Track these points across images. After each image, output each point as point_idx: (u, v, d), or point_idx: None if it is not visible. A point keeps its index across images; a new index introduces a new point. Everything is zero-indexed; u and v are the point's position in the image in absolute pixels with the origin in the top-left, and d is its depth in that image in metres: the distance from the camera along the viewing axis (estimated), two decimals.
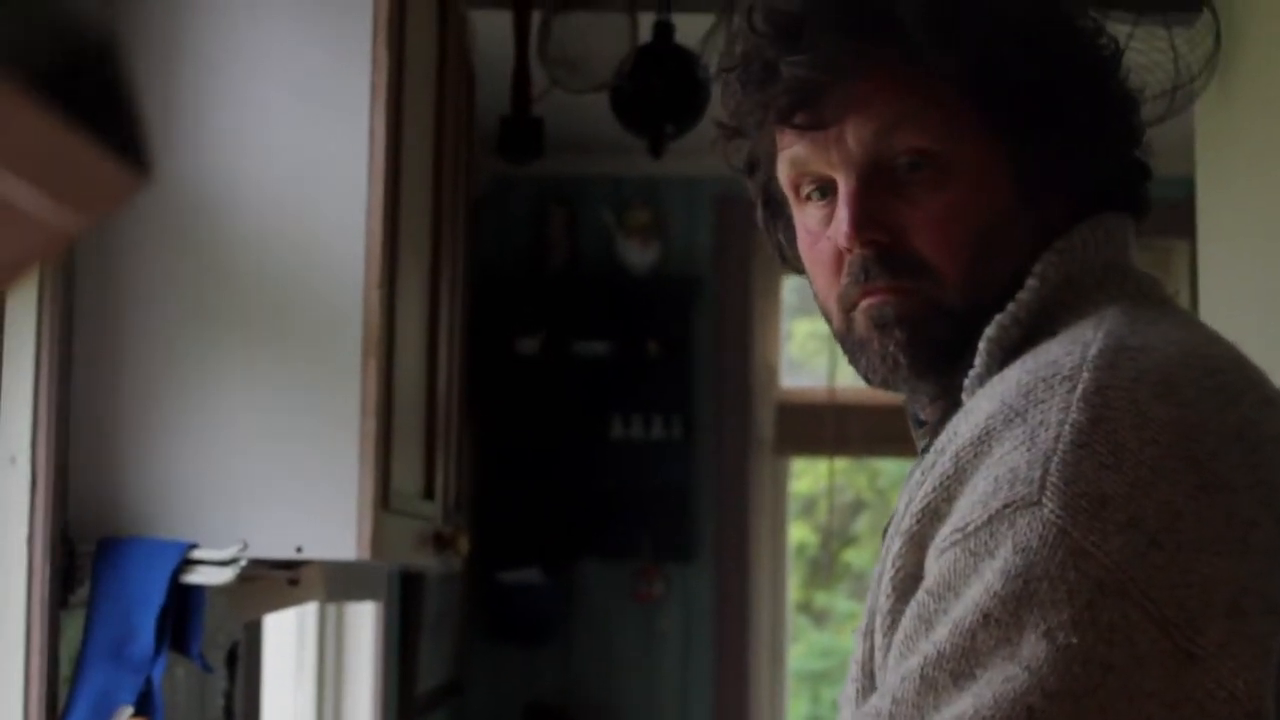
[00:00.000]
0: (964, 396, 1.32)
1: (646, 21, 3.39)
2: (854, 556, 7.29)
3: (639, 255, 5.51)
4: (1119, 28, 2.83)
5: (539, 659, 5.65)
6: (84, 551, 2.20)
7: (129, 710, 2.18)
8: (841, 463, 7.50)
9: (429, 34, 2.62)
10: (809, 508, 7.85)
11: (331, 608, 4.05)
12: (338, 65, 2.24)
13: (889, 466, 6.84)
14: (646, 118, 3.03)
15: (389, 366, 2.27)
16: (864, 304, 1.38)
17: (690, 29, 3.39)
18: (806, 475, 7.58)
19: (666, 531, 5.61)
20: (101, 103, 0.49)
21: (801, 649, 7.82)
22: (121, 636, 2.19)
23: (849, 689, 1.31)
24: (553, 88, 3.21)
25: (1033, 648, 1.09)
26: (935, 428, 1.38)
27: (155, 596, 2.18)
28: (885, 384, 1.40)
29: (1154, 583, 1.10)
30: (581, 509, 5.57)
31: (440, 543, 2.71)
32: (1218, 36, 2.86)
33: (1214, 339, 1.29)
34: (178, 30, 2.23)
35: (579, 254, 5.59)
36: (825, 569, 8.11)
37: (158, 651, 2.19)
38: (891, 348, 1.37)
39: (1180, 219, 3.67)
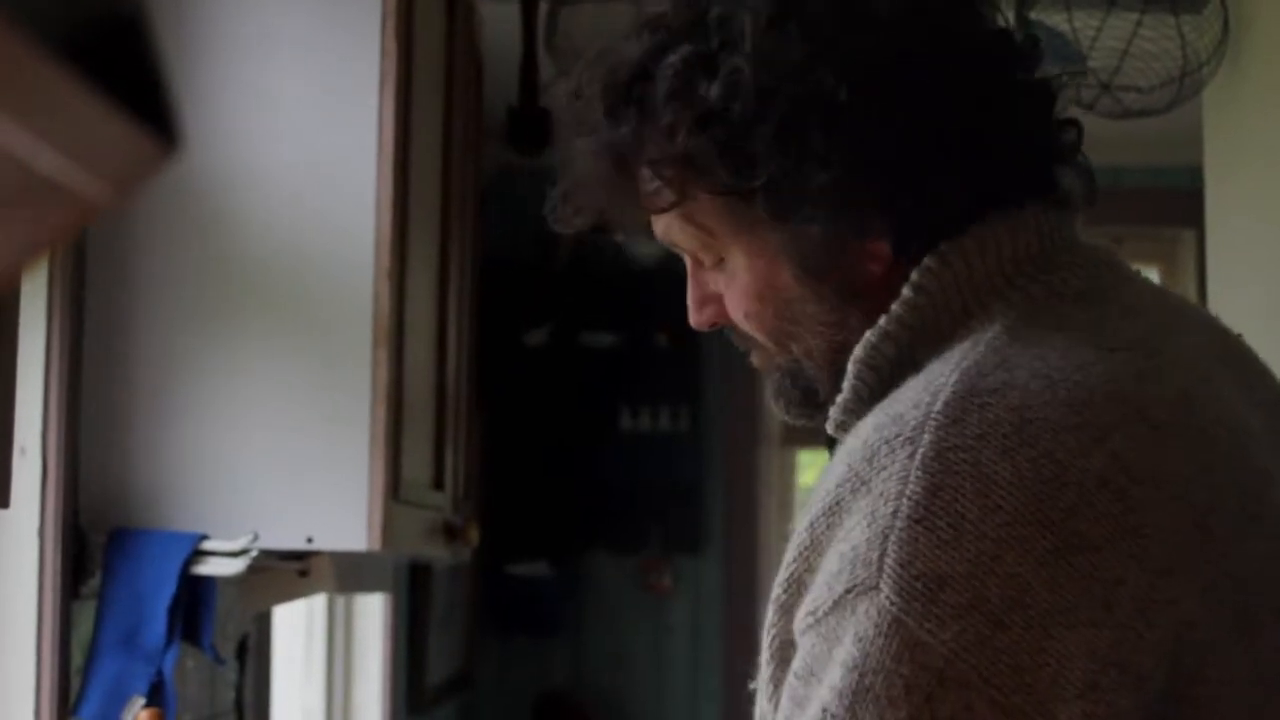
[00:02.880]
0: (830, 428, 1.29)
1: (654, 12, 3.37)
2: None
3: (647, 246, 5.50)
4: (1127, 15, 2.83)
5: (548, 651, 5.65)
6: (95, 542, 2.20)
7: (141, 700, 2.18)
8: None
9: (438, 24, 2.62)
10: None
11: (340, 600, 4.06)
12: (347, 54, 2.24)
13: None
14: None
15: (399, 356, 2.27)
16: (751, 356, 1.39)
17: None
18: (813, 467, 7.59)
19: (675, 523, 5.61)
20: (131, 74, 0.49)
21: None
22: (133, 627, 2.19)
23: None
24: (559, 78, 3.21)
25: None
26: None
27: (166, 587, 2.18)
28: (793, 422, 1.39)
29: (999, 668, 1.03)
30: (590, 501, 5.57)
31: (450, 533, 2.71)
32: (1226, 23, 2.86)
33: (1104, 353, 1.17)
34: (188, 19, 2.23)
35: (587, 246, 5.58)
36: None
37: (169, 642, 2.19)
38: (770, 395, 1.38)
39: (1187, 208, 3.67)
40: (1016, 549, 1.05)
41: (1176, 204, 4.27)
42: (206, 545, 2.19)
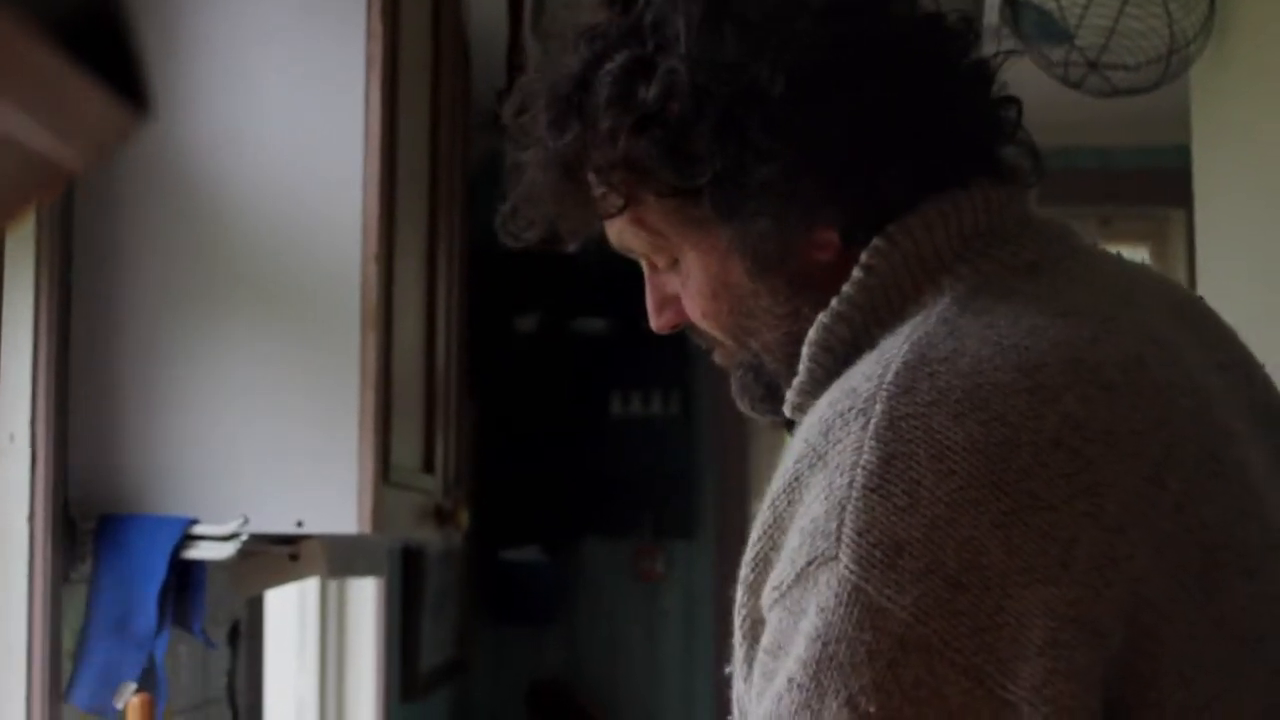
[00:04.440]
0: (787, 410, 1.31)
1: None
2: None
3: None
4: None
5: (541, 638, 5.66)
6: (85, 528, 2.20)
7: (132, 685, 2.18)
8: None
9: (424, 6, 2.62)
10: None
11: (333, 586, 4.06)
12: (333, 37, 2.23)
13: None
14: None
15: (387, 339, 2.27)
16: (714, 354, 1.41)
17: None
18: None
19: (668, 509, 5.61)
20: (100, 40, 0.49)
21: None
22: (124, 613, 2.19)
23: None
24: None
25: (834, 716, 1.05)
26: None
27: (157, 572, 2.18)
28: (757, 418, 1.42)
29: (959, 630, 1.04)
30: (582, 487, 5.57)
31: (441, 516, 2.71)
32: (1212, 1, 2.86)
33: (1055, 319, 1.18)
34: (172, 2, 2.23)
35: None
36: None
37: (160, 627, 2.19)
38: (734, 392, 1.40)
39: (1176, 187, 3.67)
40: (971, 512, 1.06)
41: (1165, 183, 4.27)
42: (196, 530, 2.19)
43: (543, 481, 5.55)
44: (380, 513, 2.23)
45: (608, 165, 1.29)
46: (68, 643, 2.19)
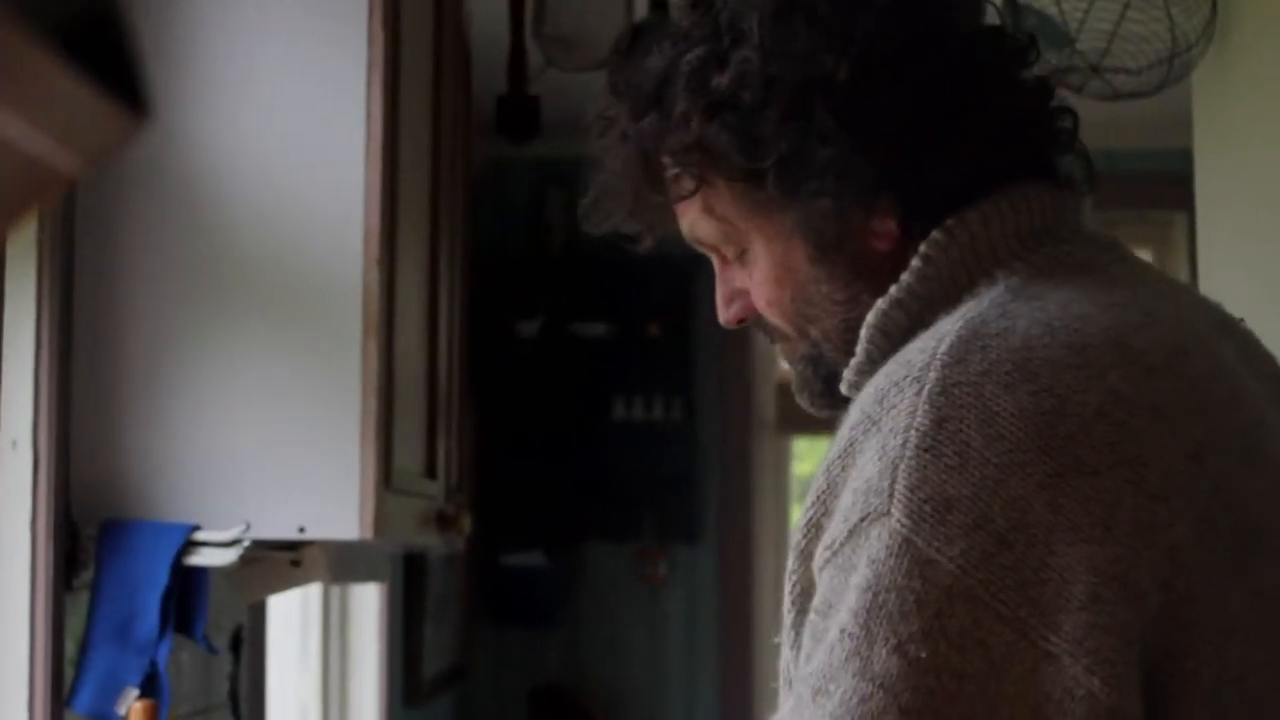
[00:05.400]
0: (844, 388, 1.37)
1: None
2: None
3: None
4: None
5: (543, 642, 5.65)
6: (87, 534, 2.20)
7: (134, 691, 2.18)
8: None
9: (425, 11, 2.62)
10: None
11: (335, 592, 4.06)
12: (335, 42, 2.24)
13: None
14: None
15: (389, 345, 2.27)
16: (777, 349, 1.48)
17: None
18: (809, 456, 7.59)
19: (670, 513, 5.61)
20: (99, 44, 0.49)
21: None
22: (126, 619, 2.19)
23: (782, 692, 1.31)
24: (549, 66, 3.21)
25: (884, 663, 1.09)
26: None
27: (159, 578, 2.18)
28: (815, 413, 1.48)
29: (1005, 583, 1.09)
30: (584, 491, 5.57)
31: (443, 522, 2.71)
32: (1214, 4, 2.86)
33: (1108, 306, 1.25)
34: (173, 7, 2.23)
35: (578, 236, 5.57)
36: None
37: (162, 633, 2.19)
38: (795, 388, 1.46)
39: (1179, 191, 3.66)
40: (1019, 474, 1.11)
41: (1168, 187, 4.27)
42: (198, 536, 2.19)
43: (545, 486, 5.55)
44: (382, 518, 2.23)
45: (682, 148, 1.36)
46: (70, 649, 2.19)
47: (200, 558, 2.20)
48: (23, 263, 2.11)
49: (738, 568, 5.70)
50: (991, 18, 1.44)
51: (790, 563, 1.24)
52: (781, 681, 1.28)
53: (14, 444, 2.11)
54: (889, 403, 1.17)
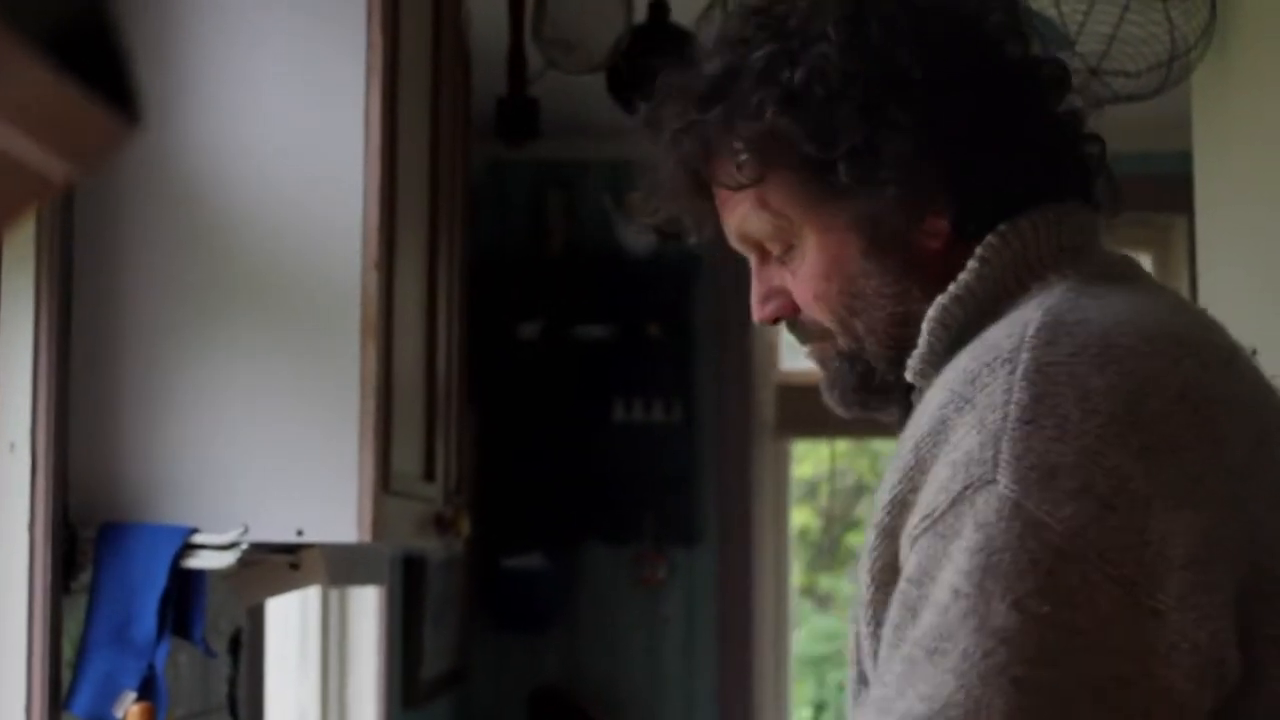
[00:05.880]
0: (909, 375, 1.43)
1: (642, 1, 3.38)
2: (856, 539, 7.28)
3: (639, 237, 5.49)
4: (1115, 0, 2.83)
5: (542, 645, 5.65)
6: (85, 537, 2.20)
7: (132, 695, 2.18)
8: (842, 445, 7.51)
9: (424, 14, 2.62)
10: (811, 491, 7.84)
11: (334, 594, 4.05)
12: (333, 46, 2.24)
13: (890, 449, 6.83)
14: (643, 99, 3.02)
15: (388, 348, 2.27)
16: (806, 350, 1.54)
17: (686, 8, 3.38)
18: (808, 459, 7.59)
19: (669, 515, 5.60)
20: (90, 51, 0.49)
21: (805, 633, 7.82)
22: (124, 621, 2.19)
23: (850, 676, 1.38)
24: (548, 69, 3.21)
25: (1004, 619, 1.15)
26: (902, 423, 1.47)
27: (157, 581, 2.18)
28: (843, 412, 1.53)
29: (1110, 544, 1.16)
30: (583, 494, 5.56)
31: (441, 525, 2.71)
32: (1213, 7, 2.86)
33: (1161, 309, 1.35)
34: (173, 12, 2.23)
35: (578, 238, 5.58)
36: (827, 552, 8.10)
37: (160, 636, 2.19)
38: (825, 386, 1.52)
39: (1178, 194, 3.66)
40: (1116, 445, 1.19)
41: (1168, 190, 4.26)
42: (196, 539, 2.19)
43: (544, 488, 5.54)
44: (381, 521, 2.23)
45: (754, 136, 1.43)
46: (67, 652, 2.19)
47: (198, 560, 2.20)
48: (21, 266, 2.11)
49: (737, 570, 5.70)
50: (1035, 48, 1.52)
51: (870, 540, 1.29)
52: (851, 662, 1.35)
53: (12, 446, 2.11)
54: (981, 383, 1.24)
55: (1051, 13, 2.83)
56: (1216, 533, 1.19)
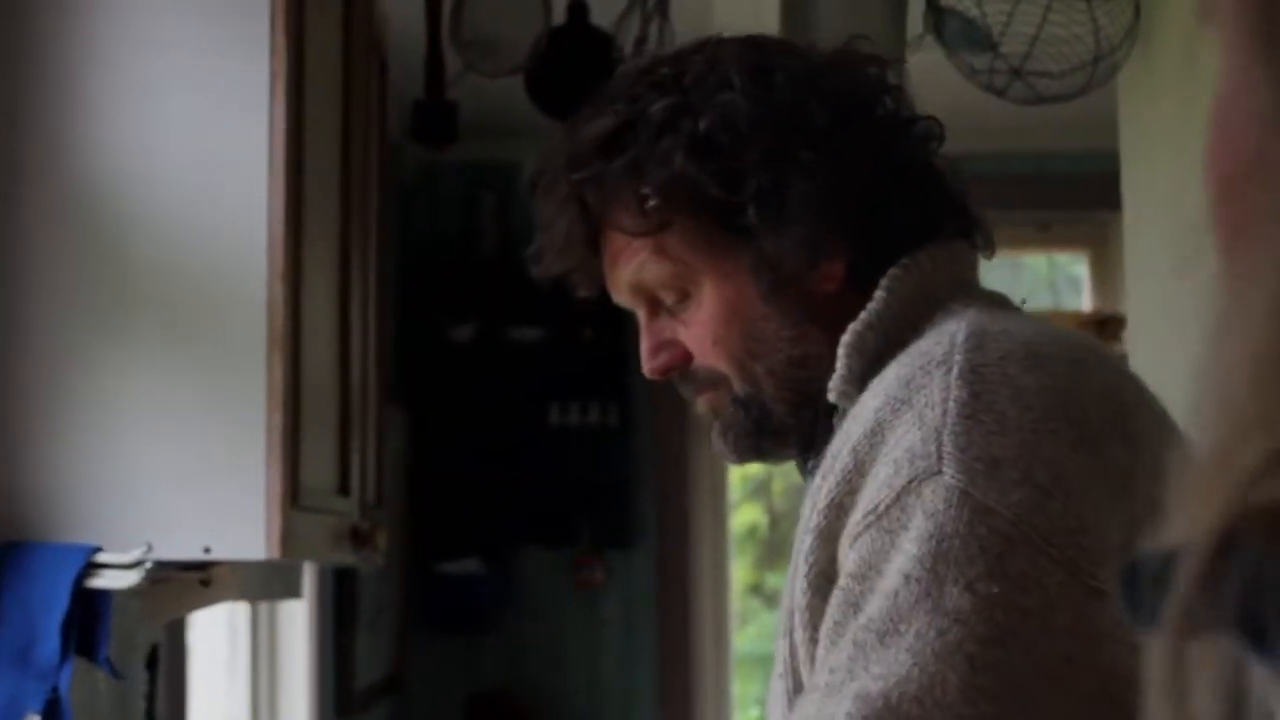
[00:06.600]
0: (831, 396, 1.45)
1: (560, 3, 3.34)
2: None
3: None
4: (1038, 0, 2.81)
5: (480, 649, 5.61)
6: None
7: (36, 719, 2.13)
8: None
9: (333, 18, 2.57)
10: (761, 489, 7.82)
11: (264, 604, 4.00)
12: (235, 50, 2.19)
13: None
14: (562, 100, 2.98)
15: (295, 359, 2.22)
16: (696, 402, 1.58)
17: (604, 10, 3.35)
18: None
19: (606, 518, 5.58)
20: None
21: (753, 631, 7.81)
22: (25, 644, 2.14)
23: (775, 687, 1.41)
24: (467, 71, 3.16)
25: (956, 600, 1.18)
26: (811, 457, 1.52)
27: (59, 602, 2.12)
28: (736, 460, 1.57)
29: (1054, 530, 1.20)
30: (520, 497, 5.53)
31: (358, 538, 2.66)
32: (1137, 7, 2.84)
33: (1057, 327, 1.43)
34: (69, 19, 2.18)
35: (510, 240, 5.52)
36: (774, 550, 8.09)
37: (63, 658, 2.14)
38: (717, 435, 1.55)
39: (1111, 191, 3.65)
40: (1050, 439, 1.24)
41: (1100, 188, 4.24)
42: (100, 558, 2.14)
43: (480, 492, 5.51)
44: (289, 537, 2.18)
45: (662, 182, 1.47)
46: None
47: (102, 580, 2.14)
48: None
49: (675, 572, 5.67)
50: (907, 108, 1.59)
51: (809, 543, 1.31)
52: (785, 671, 1.37)
53: None
54: (917, 384, 1.29)
55: (975, 13, 2.80)
56: (1143, 523, 1.20)
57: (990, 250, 1.57)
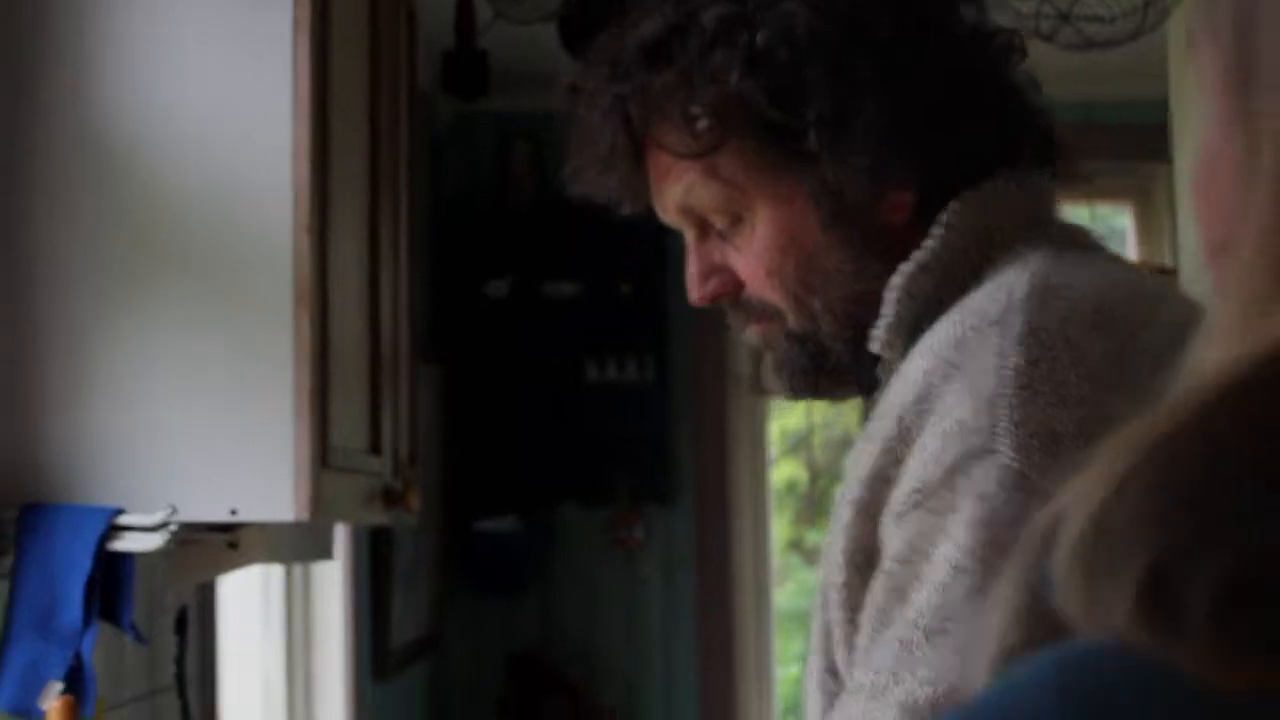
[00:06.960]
0: (875, 346, 1.35)
1: None
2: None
3: None
4: None
5: (519, 608, 5.56)
6: (6, 519, 2.10)
7: (58, 685, 2.08)
8: None
9: None
10: (800, 444, 7.76)
11: (297, 566, 3.96)
12: (259, 1, 2.13)
13: None
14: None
15: (324, 316, 2.16)
16: (746, 332, 1.47)
17: None
18: (797, 410, 7.49)
19: (645, 475, 5.51)
20: None
21: (792, 588, 7.76)
22: (48, 608, 2.09)
23: (812, 664, 1.31)
24: (497, 19, 3.10)
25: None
26: (869, 401, 1.41)
27: (82, 565, 2.08)
28: (791, 396, 1.45)
29: None
30: (558, 454, 5.47)
31: (390, 498, 2.60)
32: None
33: (1133, 273, 1.34)
34: None
35: (545, 190, 5.45)
36: (814, 506, 8.04)
37: (86, 623, 2.09)
38: (771, 370, 1.45)
39: (1159, 143, 3.58)
40: (1114, 410, 1.15)
41: (1148, 139, 4.16)
42: (123, 520, 2.09)
43: (516, 449, 5.45)
44: (318, 498, 2.13)
45: (716, 101, 1.35)
46: None
47: (124, 543, 2.09)
48: None
49: (715, 529, 5.61)
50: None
51: (846, 516, 1.22)
52: (820, 647, 1.27)
53: None
54: (969, 348, 1.18)
55: None
56: None
57: (1072, 182, 1.44)
